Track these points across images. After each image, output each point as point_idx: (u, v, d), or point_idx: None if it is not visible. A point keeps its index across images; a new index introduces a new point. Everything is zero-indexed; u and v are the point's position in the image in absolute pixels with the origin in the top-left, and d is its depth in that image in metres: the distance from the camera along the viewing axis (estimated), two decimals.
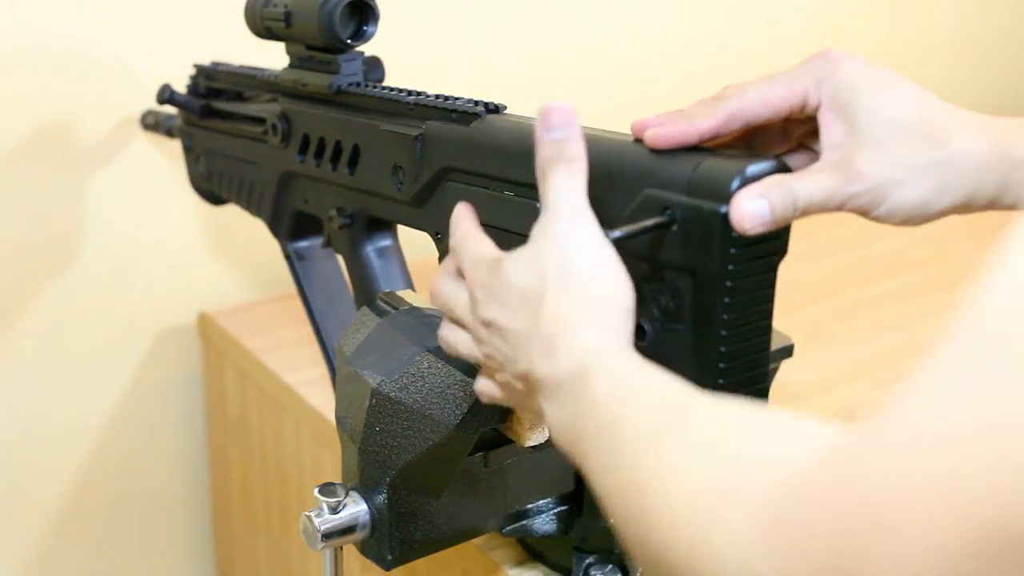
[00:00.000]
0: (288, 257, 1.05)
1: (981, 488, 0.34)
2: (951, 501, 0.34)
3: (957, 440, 0.35)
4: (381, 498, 0.77)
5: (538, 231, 0.62)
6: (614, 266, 0.60)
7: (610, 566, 0.84)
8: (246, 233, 1.30)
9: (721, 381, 0.63)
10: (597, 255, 0.60)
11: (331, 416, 0.90)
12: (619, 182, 0.65)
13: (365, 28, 0.90)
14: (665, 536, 0.46)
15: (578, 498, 0.84)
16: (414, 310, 0.80)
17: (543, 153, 0.63)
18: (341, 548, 0.80)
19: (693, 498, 0.45)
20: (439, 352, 0.74)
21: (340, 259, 1.00)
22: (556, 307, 0.59)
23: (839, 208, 0.63)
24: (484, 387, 0.67)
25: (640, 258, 0.64)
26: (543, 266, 0.60)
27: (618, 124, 0.72)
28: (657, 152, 0.64)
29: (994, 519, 0.33)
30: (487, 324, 0.63)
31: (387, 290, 0.87)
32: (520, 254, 0.62)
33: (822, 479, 0.39)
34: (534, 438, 0.74)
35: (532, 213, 0.64)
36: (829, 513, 0.38)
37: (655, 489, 0.47)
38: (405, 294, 0.83)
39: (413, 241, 0.96)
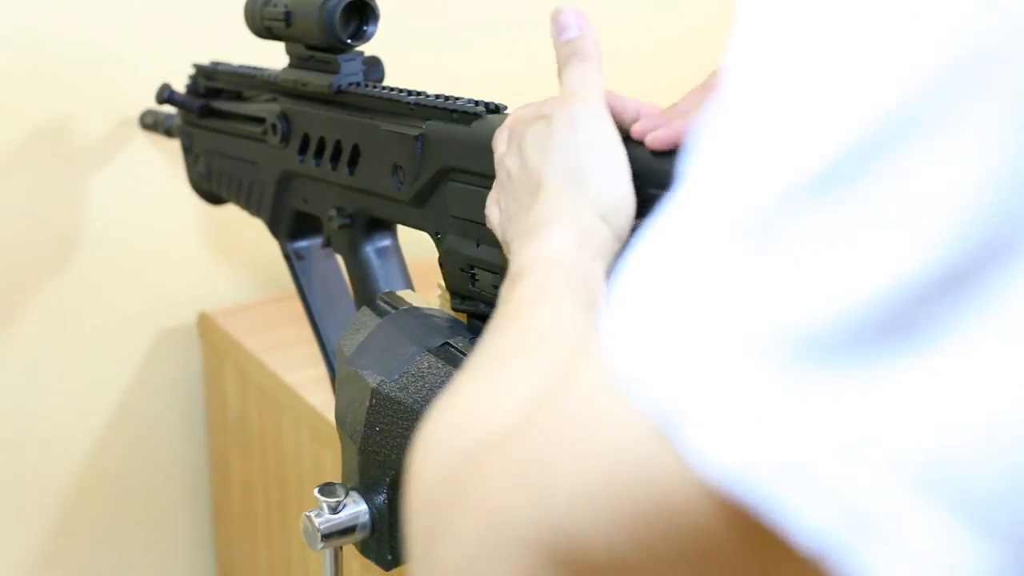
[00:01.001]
0: (288, 257, 1.05)
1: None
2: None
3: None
4: (381, 498, 0.76)
5: (557, 108, 0.64)
6: (621, 174, 0.63)
7: None
8: (246, 233, 1.30)
9: None
10: (608, 160, 0.63)
11: (331, 416, 0.90)
12: None
13: (365, 28, 0.90)
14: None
15: None
16: (414, 310, 0.80)
17: (559, 54, 0.66)
18: (341, 548, 0.80)
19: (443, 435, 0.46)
20: (439, 352, 0.74)
21: (340, 259, 1.00)
22: (549, 202, 0.61)
23: None
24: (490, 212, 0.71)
25: None
26: (549, 151, 0.63)
27: None
28: (658, 154, 0.66)
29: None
30: (507, 171, 0.67)
31: (387, 290, 0.87)
32: (535, 130, 0.65)
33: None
34: None
35: None
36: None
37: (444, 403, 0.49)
38: (405, 294, 0.83)
39: (413, 241, 0.96)
